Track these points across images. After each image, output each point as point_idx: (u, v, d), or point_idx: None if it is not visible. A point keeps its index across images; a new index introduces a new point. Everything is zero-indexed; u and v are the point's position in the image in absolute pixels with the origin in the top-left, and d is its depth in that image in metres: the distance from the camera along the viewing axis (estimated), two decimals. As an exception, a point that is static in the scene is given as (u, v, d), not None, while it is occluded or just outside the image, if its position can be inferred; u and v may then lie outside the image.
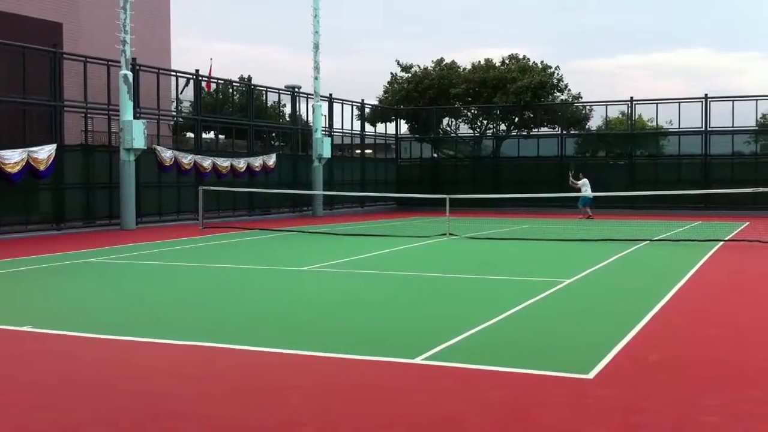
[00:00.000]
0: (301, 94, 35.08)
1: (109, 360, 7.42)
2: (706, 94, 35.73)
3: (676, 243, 19.58)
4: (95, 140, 29.08)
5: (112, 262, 15.62)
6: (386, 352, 7.54)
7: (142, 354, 7.70)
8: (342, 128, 37.79)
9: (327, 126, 35.84)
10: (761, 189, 22.04)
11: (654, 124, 40.30)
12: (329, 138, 34.48)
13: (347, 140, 39.85)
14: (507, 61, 42.74)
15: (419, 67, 43.45)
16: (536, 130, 40.58)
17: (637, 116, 39.91)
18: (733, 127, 35.36)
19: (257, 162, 30.18)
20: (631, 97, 37.41)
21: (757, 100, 35.30)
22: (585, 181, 30.62)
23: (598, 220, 28.97)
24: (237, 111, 35.54)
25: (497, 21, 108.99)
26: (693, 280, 12.66)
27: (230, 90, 37.38)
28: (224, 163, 28.48)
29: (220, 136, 34.76)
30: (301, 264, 14.83)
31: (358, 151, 41.76)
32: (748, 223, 27.14)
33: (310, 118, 34.31)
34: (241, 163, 29.30)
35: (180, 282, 12.92)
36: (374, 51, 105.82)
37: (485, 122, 42.24)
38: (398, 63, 43.79)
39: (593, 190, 29.53)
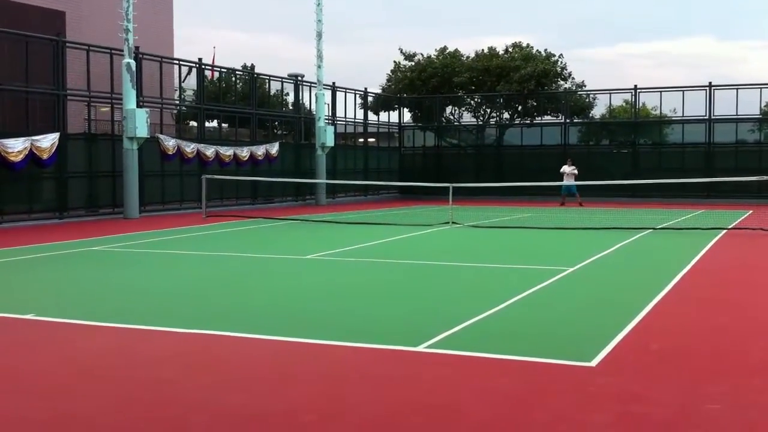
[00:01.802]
0: (304, 83, 35.00)
1: (113, 348, 7.44)
2: (710, 83, 35.61)
3: (679, 231, 19.56)
4: (98, 129, 29.06)
5: (116, 250, 15.64)
6: (389, 341, 7.55)
7: (146, 342, 7.71)
8: (345, 117, 37.73)
9: (330, 115, 35.78)
10: (765, 177, 21.99)
11: (658, 112, 40.17)
12: (332, 127, 34.41)
13: (350, 129, 39.78)
14: (510, 50, 42.59)
15: (422, 55, 43.35)
16: (540, 118, 40.44)
17: (640, 105, 39.81)
18: (737, 115, 35.24)
19: (260, 151, 30.16)
20: (635, 86, 37.29)
21: (761, 88, 35.14)
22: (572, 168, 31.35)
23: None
24: (240, 100, 35.48)
25: (499, 9, 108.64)
26: (696, 269, 12.65)
27: (233, 78, 37.32)
28: (227, 151, 28.47)
29: (223, 125, 34.72)
30: (305, 252, 14.84)
31: (361, 140, 41.70)
32: (751, 211, 27.10)
33: (313, 107, 34.25)
34: (244, 152, 29.29)
35: (183, 270, 12.93)
36: (377, 40, 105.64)
37: (488, 111, 42.15)
38: (401, 51, 43.70)
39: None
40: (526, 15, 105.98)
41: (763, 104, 36.20)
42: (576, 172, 30.98)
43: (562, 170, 31.43)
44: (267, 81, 34.24)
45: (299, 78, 35.22)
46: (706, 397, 5.84)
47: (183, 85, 30.53)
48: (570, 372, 6.49)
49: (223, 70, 33.54)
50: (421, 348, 7.23)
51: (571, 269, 12.43)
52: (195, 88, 30.59)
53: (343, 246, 16.10)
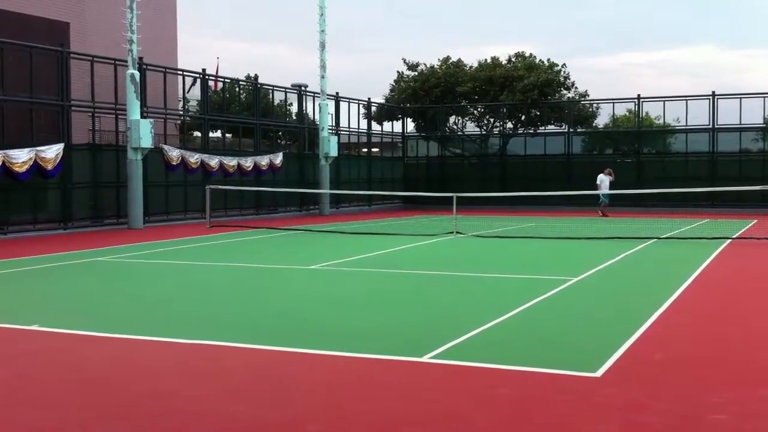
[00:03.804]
0: (307, 93, 35.07)
1: (117, 358, 7.44)
2: (713, 92, 35.61)
3: (683, 241, 19.53)
4: (102, 139, 29.15)
5: (120, 261, 15.66)
6: (393, 351, 7.54)
7: (149, 352, 7.72)
8: (348, 127, 37.79)
9: (334, 124, 35.83)
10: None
11: (661, 121, 40.19)
12: (336, 136, 34.49)
13: (354, 139, 39.85)
14: (513, 59, 42.68)
15: (426, 65, 43.45)
16: (543, 128, 40.51)
17: (644, 114, 39.82)
18: (740, 124, 35.23)
19: (264, 161, 30.21)
20: (639, 95, 37.33)
21: (764, 97, 35.12)
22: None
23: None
24: (244, 110, 35.56)
25: (500, 18, 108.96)
26: (700, 279, 12.62)
27: (237, 89, 37.44)
28: (231, 162, 28.52)
29: (227, 135, 34.79)
30: (309, 262, 14.84)
31: (365, 150, 41.78)
32: (756, 220, 27.05)
33: (317, 117, 34.33)
34: (248, 162, 29.33)
35: (187, 281, 12.93)
36: (381, 49, 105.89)
37: (492, 120, 42.20)
38: (405, 61, 43.80)
39: (598, 189, 29.93)
40: (528, 24, 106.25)
41: (767, 113, 36.20)
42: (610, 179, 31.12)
43: (599, 180, 31.14)
44: (271, 91, 34.32)
45: (303, 88, 35.31)
46: (711, 407, 5.82)
47: (187, 95, 30.60)
48: (575, 382, 6.47)
49: (226, 80, 33.62)
50: (425, 358, 7.22)
51: (576, 279, 12.41)
52: (199, 98, 30.69)
53: (346, 256, 16.10)
